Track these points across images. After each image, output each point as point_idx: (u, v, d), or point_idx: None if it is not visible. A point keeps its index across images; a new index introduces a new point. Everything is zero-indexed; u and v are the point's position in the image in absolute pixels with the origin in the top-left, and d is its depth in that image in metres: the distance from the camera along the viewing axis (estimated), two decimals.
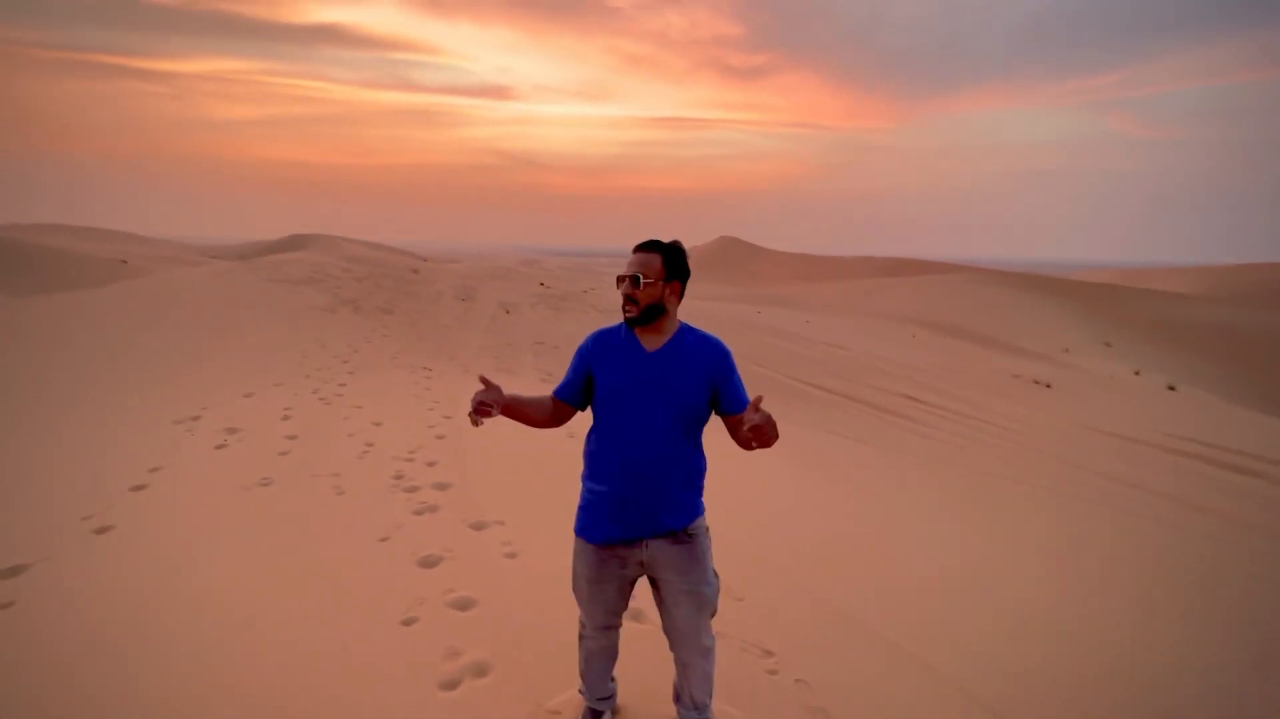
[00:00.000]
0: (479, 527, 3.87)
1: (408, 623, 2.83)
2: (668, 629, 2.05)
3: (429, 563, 3.35)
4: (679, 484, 1.98)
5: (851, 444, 8.37)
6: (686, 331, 2.03)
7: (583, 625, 2.16)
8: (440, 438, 5.83)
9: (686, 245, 2.05)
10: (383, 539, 3.63)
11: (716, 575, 2.07)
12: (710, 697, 2.13)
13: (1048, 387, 14.26)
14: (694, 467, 2.02)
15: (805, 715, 2.39)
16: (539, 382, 9.99)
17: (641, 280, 1.94)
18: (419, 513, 4.02)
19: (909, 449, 8.29)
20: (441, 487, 4.50)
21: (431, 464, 4.99)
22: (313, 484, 4.44)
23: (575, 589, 2.10)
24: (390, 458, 5.09)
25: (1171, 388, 17.68)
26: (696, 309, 19.04)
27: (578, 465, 2.28)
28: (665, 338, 2.00)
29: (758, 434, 1.72)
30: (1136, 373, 19.75)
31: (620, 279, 1.98)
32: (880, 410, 9.99)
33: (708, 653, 2.06)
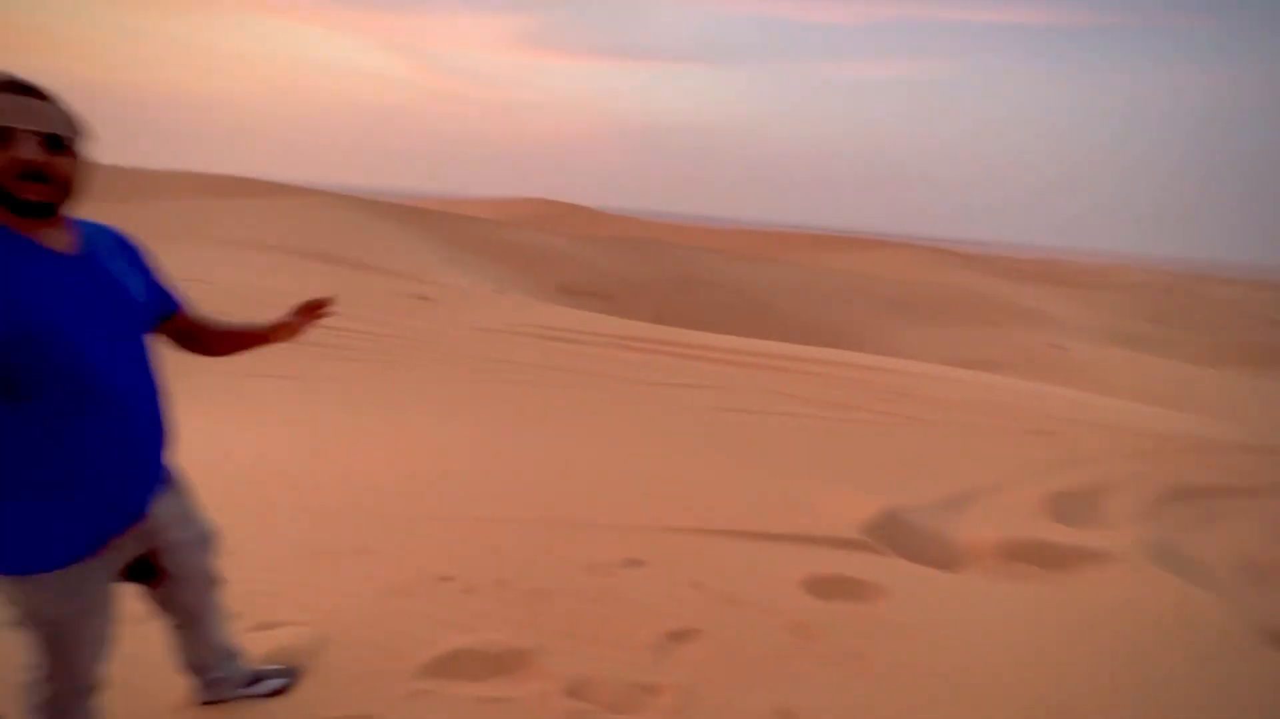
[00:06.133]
0: None
1: None
2: (171, 596, 1.65)
3: None
4: (163, 420, 1.52)
5: (278, 383, 7.18)
6: (72, 219, 1.44)
7: (59, 694, 1.47)
8: None
9: None
10: None
11: None
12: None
13: (427, 299, 15.35)
14: (162, 387, 1.57)
15: None
16: None
17: (66, 141, 1.29)
18: None
19: (339, 376, 7.64)
20: None
21: None
22: None
23: (50, 643, 1.42)
24: None
25: (499, 292, 21.75)
26: None
27: None
28: (68, 231, 1.39)
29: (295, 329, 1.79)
30: (490, 286, 23.53)
31: (9, 137, 1.20)
32: (291, 343, 8.75)
33: (217, 583, 1.76)
